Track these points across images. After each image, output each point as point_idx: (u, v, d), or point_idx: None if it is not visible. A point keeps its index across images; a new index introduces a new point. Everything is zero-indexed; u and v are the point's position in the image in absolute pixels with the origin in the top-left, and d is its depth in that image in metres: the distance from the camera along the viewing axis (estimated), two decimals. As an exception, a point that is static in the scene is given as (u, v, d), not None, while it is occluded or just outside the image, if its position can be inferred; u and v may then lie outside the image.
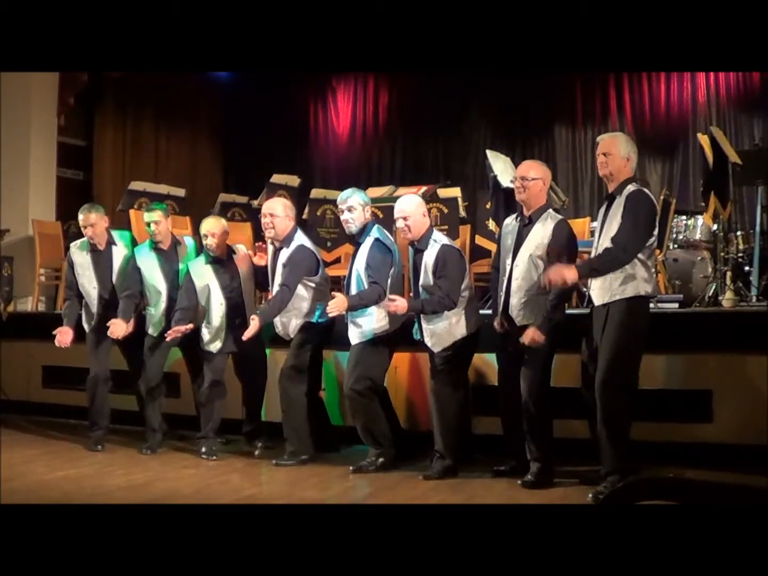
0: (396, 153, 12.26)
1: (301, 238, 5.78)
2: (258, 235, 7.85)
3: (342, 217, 5.59)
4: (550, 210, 5.08)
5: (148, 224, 6.15)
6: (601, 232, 4.80)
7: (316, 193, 7.83)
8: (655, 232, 4.68)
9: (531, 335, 4.84)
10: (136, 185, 8.41)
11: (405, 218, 5.27)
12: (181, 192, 8.60)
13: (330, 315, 5.31)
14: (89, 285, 6.29)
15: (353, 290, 5.49)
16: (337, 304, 5.21)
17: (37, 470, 5.53)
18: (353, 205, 5.50)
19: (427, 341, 5.30)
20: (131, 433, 6.61)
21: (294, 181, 8.40)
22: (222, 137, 12.97)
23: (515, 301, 5.01)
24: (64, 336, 6.20)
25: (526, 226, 5.06)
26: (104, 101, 11.14)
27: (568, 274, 4.52)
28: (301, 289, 5.67)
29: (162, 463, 5.79)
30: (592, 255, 4.87)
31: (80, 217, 6.27)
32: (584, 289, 5.98)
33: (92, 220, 6.22)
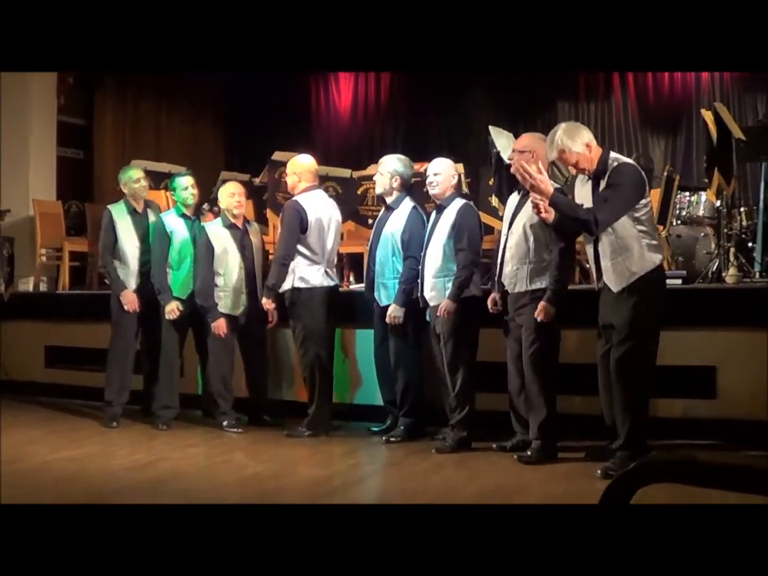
0: (398, 130, 12.22)
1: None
2: (259, 212, 7.82)
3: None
4: None
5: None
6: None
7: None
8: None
9: (541, 309, 4.84)
10: (137, 164, 8.35)
11: (436, 174, 5.46)
12: (182, 170, 8.56)
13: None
14: (131, 247, 6.37)
15: (382, 252, 5.67)
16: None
17: (41, 451, 5.52)
18: (381, 171, 5.79)
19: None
20: (133, 412, 6.58)
21: (296, 158, 8.32)
22: (223, 115, 12.89)
23: (508, 269, 5.05)
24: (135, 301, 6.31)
25: (523, 197, 5.06)
26: (104, 80, 11.04)
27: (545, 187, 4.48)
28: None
29: (166, 443, 5.78)
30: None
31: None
32: (587, 265, 5.97)
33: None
